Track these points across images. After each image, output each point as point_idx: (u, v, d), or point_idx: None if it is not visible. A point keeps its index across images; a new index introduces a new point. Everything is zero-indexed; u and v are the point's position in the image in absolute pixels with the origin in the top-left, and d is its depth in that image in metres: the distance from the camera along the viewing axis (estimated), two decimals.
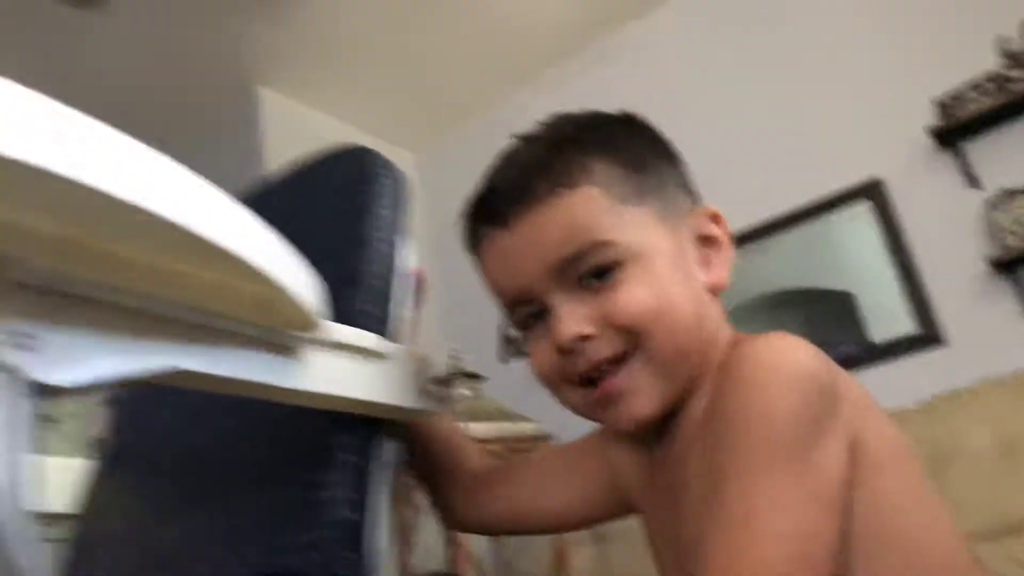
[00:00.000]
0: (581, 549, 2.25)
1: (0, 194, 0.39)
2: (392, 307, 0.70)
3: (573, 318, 0.62)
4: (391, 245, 0.72)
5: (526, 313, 0.66)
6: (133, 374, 0.45)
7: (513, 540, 2.29)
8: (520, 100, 3.71)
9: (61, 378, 0.42)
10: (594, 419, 0.66)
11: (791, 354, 0.57)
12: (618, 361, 0.62)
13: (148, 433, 0.75)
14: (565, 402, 0.66)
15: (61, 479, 0.78)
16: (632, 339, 0.61)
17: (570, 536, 2.10)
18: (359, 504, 0.60)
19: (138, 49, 3.13)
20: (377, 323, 0.67)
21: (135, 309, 0.46)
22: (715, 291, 0.66)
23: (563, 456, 0.80)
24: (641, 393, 0.62)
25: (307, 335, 0.55)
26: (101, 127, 0.40)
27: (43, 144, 0.36)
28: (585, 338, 0.62)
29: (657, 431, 0.66)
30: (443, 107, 3.90)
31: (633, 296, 0.61)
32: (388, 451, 0.65)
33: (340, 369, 0.58)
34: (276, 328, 0.52)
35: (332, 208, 0.75)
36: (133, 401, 0.80)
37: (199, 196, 0.43)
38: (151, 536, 0.70)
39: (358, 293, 0.67)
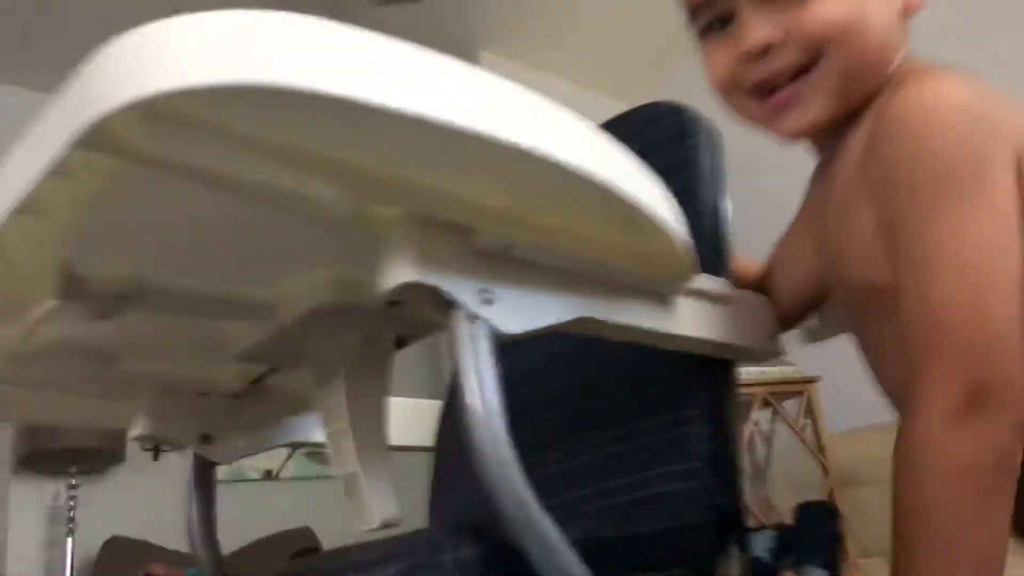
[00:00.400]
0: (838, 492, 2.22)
1: (471, 174, 0.46)
2: (725, 255, 0.73)
3: (761, 26, 0.64)
4: (716, 197, 0.76)
5: (710, 18, 0.67)
6: (558, 323, 0.53)
7: (780, 482, 2.29)
8: None
9: (513, 327, 0.49)
10: (761, 127, 0.70)
11: (947, 92, 0.60)
12: (797, 72, 0.65)
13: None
14: (736, 109, 0.70)
15: (426, 417, 0.91)
16: (815, 52, 0.64)
17: (832, 479, 2.07)
18: (721, 436, 0.65)
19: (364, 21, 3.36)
20: (715, 271, 0.71)
21: (558, 267, 0.52)
22: (909, 13, 0.67)
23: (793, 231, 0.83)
24: (813, 104, 0.65)
25: (681, 284, 0.60)
26: (545, 101, 0.46)
27: (515, 121, 0.43)
28: (769, 47, 0.64)
29: (822, 166, 0.71)
30: (651, 58, 3.85)
31: (826, 8, 0.63)
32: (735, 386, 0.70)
33: (703, 313, 0.63)
34: (660, 278, 0.58)
35: (654, 164, 0.80)
36: None
37: (622, 163, 0.49)
38: None
39: (697, 244, 0.72)
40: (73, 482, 2.98)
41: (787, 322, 0.81)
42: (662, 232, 0.53)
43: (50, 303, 0.52)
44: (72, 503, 2.96)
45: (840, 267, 0.69)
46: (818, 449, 2.04)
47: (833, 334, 1.01)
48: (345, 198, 0.45)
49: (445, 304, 0.47)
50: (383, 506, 0.61)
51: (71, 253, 0.49)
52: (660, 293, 0.59)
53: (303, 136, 0.40)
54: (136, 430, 0.70)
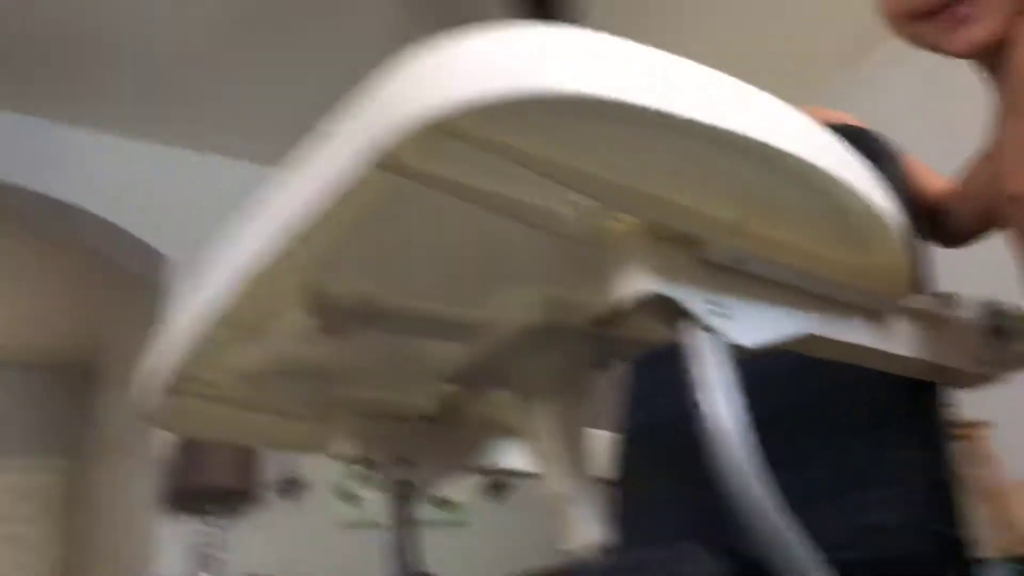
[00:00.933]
0: None
1: (705, 183, 0.47)
2: (929, 276, 0.71)
3: None
4: (912, 219, 0.74)
5: None
6: (785, 339, 0.52)
7: None
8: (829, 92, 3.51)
9: (747, 341, 0.49)
10: (932, 46, 0.76)
11: None
12: None
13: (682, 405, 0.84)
14: (908, 33, 0.77)
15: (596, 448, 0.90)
16: None
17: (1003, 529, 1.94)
18: (937, 461, 0.63)
19: None
20: (919, 290, 0.69)
21: (784, 282, 0.52)
22: None
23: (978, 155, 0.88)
24: (985, 20, 0.71)
25: (898, 302, 0.58)
26: (788, 106, 0.46)
27: (768, 124, 0.43)
28: None
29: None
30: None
31: None
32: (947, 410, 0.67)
33: (917, 333, 0.61)
34: (878, 295, 0.57)
35: None
36: (650, 377, 0.90)
37: (865, 172, 0.49)
38: (704, 498, 0.77)
39: None
40: (215, 520, 3.11)
41: (955, 241, 0.88)
42: (892, 246, 0.52)
43: (294, 321, 0.56)
44: (215, 541, 3.08)
45: (997, 184, 0.74)
46: (986, 498, 1.91)
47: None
48: (588, 211, 0.47)
49: (677, 316, 0.48)
50: (589, 528, 0.62)
51: (321, 273, 0.53)
52: (877, 311, 0.58)
53: (567, 150, 0.42)
54: (337, 450, 0.73)
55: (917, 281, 0.70)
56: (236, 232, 0.52)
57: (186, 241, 3.62)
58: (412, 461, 0.75)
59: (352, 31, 3.13)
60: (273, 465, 3.38)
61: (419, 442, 0.75)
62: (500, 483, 3.63)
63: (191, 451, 3.05)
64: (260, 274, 0.49)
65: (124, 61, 3.22)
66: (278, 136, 3.80)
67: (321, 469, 3.50)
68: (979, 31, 0.72)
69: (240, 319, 0.56)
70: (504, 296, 0.60)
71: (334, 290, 0.55)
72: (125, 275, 3.97)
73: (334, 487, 3.49)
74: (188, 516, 3.22)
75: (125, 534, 4.08)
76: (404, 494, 0.76)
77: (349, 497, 3.50)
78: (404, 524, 0.76)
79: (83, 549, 5.16)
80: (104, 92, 3.40)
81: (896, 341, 0.60)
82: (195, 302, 0.56)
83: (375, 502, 3.56)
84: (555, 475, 0.63)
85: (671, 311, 0.47)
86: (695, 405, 0.48)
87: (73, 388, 5.74)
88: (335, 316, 0.55)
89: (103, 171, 3.59)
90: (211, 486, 3.04)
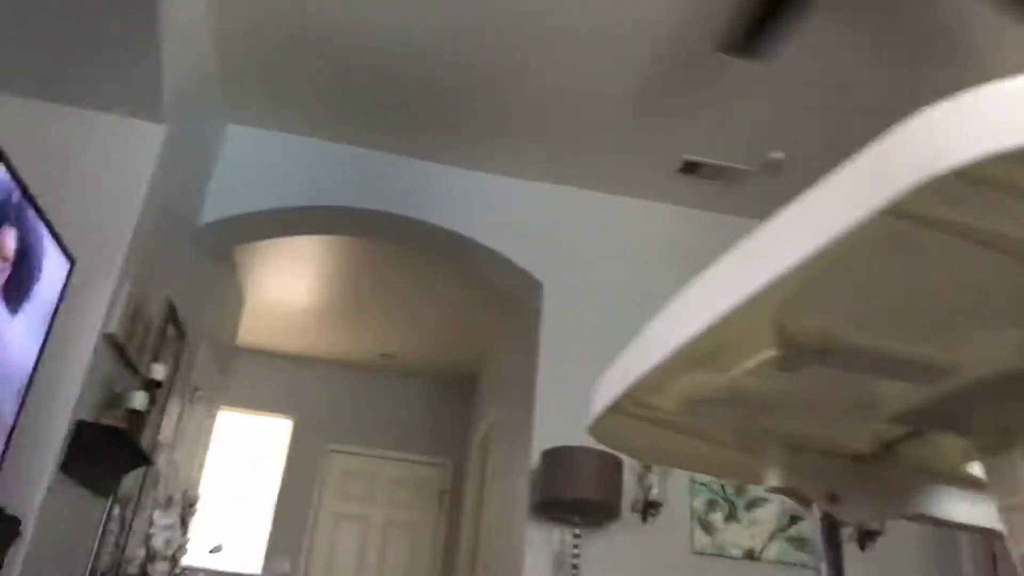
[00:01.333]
0: None
1: None
2: None
3: None
4: None
5: None
6: None
7: None
8: None
9: None
10: None
11: None
12: None
13: None
14: None
15: None
16: None
17: None
18: None
19: (798, 95, 3.29)
20: None
21: None
22: None
23: None
24: None
25: None
26: None
27: None
28: None
29: None
30: None
31: None
32: None
33: None
34: None
35: None
36: None
37: None
38: None
39: None
40: (577, 531, 3.28)
41: None
42: None
43: (752, 355, 0.59)
44: (576, 550, 3.26)
45: None
46: None
47: None
48: None
49: None
50: None
51: (791, 309, 0.55)
52: None
53: None
54: (769, 482, 0.74)
55: None
56: (715, 269, 0.56)
57: (557, 271, 3.93)
58: (841, 499, 0.74)
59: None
60: (634, 486, 3.49)
61: (849, 480, 0.74)
62: (869, 531, 3.35)
63: (561, 464, 3.27)
64: (736, 309, 0.53)
65: (508, 113, 3.59)
66: (642, 174, 3.95)
67: (679, 495, 3.54)
68: None
69: (702, 350, 0.60)
70: (982, 338, 0.57)
71: (799, 327, 0.57)
72: (507, 300, 4.40)
73: (691, 514, 3.51)
74: (553, 524, 3.45)
75: (495, 530, 4.48)
76: (832, 531, 0.75)
77: (705, 525, 3.49)
78: (834, 561, 0.75)
79: (461, 537, 5.77)
80: (493, 140, 3.82)
81: None
82: (661, 331, 0.62)
83: (728, 532, 3.51)
84: None
85: None
86: None
87: (460, 397, 6.52)
88: (798, 352, 0.57)
89: (491, 208, 4.02)
90: (577, 498, 3.22)
